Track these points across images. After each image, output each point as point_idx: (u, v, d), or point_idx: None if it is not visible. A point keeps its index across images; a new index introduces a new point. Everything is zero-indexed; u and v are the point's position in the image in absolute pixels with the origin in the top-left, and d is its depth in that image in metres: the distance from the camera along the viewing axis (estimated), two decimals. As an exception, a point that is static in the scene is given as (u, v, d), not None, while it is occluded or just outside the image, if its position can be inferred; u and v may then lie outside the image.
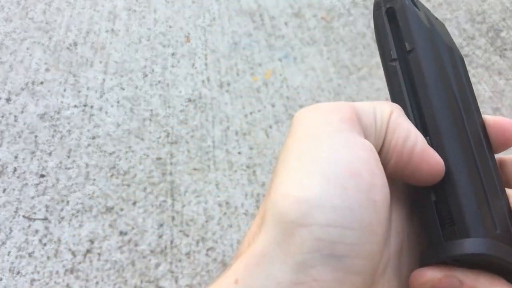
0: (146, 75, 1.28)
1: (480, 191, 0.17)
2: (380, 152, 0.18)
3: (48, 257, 0.90)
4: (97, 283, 0.87)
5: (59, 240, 0.93)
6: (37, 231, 0.94)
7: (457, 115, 0.18)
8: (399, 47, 0.20)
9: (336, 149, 0.16)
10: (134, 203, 0.99)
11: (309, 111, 0.18)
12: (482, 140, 0.18)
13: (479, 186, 0.17)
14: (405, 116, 0.18)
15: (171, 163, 1.07)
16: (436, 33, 0.19)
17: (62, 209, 0.98)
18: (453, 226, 0.17)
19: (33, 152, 1.09)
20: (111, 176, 1.04)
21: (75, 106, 1.19)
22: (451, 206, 0.17)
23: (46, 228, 0.95)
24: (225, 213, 0.97)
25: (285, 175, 0.16)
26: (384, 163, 0.18)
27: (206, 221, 0.96)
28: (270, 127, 1.15)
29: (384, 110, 0.18)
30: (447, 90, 0.18)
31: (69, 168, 1.05)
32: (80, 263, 0.90)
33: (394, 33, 0.20)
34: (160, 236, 0.94)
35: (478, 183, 0.17)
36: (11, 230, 0.94)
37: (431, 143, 0.18)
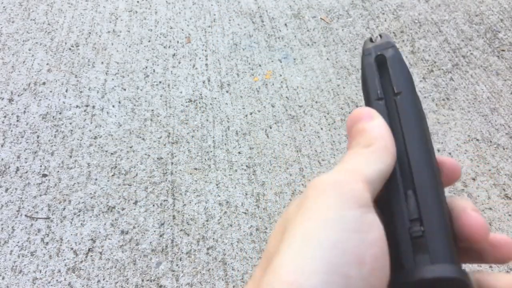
0: (147, 76, 1.28)
1: (448, 224, 0.19)
2: None
3: (50, 256, 0.91)
4: (98, 281, 0.88)
5: (61, 239, 0.94)
6: (39, 230, 0.95)
7: (431, 154, 0.21)
8: (385, 89, 0.22)
9: (344, 233, 0.16)
10: (135, 203, 1.00)
11: (324, 185, 0.18)
12: (440, 175, 0.21)
13: (448, 219, 0.20)
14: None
15: (172, 163, 1.07)
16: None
17: (64, 208, 0.99)
18: (427, 254, 0.18)
19: (35, 152, 1.09)
20: (113, 175, 1.05)
21: (77, 106, 1.20)
22: (428, 236, 0.19)
23: (48, 227, 0.96)
24: (225, 212, 0.98)
25: (288, 257, 0.16)
26: None
27: (207, 220, 0.97)
28: (270, 127, 1.16)
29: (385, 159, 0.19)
30: (425, 130, 0.21)
31: (71, 168, 1.06)
32: (81, 262, 0.90)
33: (382, 76, 0.23)
34: (161, 235, 0.94)
35: (447, 218, 0.20)
36: (13, 229, 0.95)
37: (412, 176, 0.20)
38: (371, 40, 0.24)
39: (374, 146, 0.19)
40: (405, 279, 0.18)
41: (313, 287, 0.15)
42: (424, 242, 0.19)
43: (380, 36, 0.24)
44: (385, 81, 0.23)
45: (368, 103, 0.22)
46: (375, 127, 0.20)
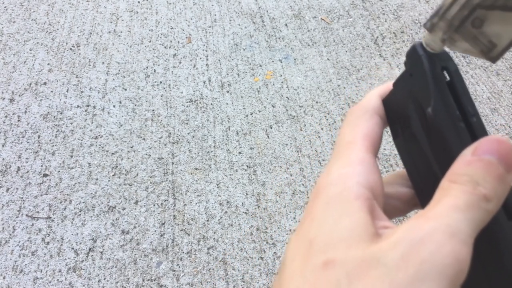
0: (148, 76, 1.29)
1: None
2: None
3: (51, 256, 0.91)
4: (99, 281, 0.88)
5: (62, 238, 0.94)
6: (40, 230, 0.95)
7: None
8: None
9: None
10: (136, 202, 1.00)
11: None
12: None
13: None
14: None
15: (172, 163, 1.08)
16: None
17: (65, 208, 0.99)
18: None
19: (36, 152, 1.10)
20: (113, 175, 1.05)
21: (78, 106, 1.20)
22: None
23: (49, 227, 0.96)
24: (226, 212, 0.98)
25: None
26: None
27: (207, 220, 0.97)
28: (271, 127, 1.16)
29: None
30: None
31: (72, 168, 1.06)
32: (82, 261, 0.90)
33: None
34: (162, 235, 0.94)
35: None
36: (14, 229, 0.95)
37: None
38: (422, 46, 0.19)
39: (490, 205, 0.16)
40: None
41: None
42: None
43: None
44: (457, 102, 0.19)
45: (443, 121, 0.18)
46: (507, 185, 0.16)
